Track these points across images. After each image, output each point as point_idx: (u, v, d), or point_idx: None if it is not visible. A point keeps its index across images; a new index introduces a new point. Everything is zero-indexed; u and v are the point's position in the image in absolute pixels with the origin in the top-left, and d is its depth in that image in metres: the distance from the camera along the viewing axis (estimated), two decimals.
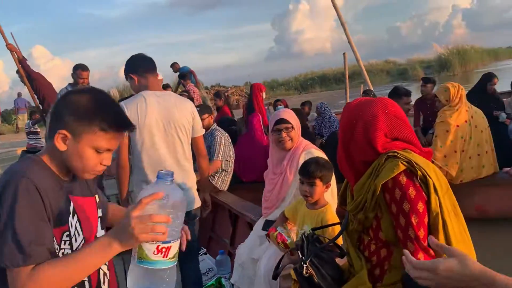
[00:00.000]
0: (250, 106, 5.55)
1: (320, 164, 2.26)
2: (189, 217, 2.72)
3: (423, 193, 1.52)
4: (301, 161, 2.45)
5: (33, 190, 1.15)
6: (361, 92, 7.40)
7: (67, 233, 1.25)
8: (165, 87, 7.89)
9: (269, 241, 2.34)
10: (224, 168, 4.29)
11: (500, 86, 6.58)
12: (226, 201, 3.99)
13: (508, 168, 4.19)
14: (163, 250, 1.14)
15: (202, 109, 4.18)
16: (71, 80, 5.09)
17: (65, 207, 1.26)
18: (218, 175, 4.28)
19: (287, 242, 2.13)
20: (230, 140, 4.39)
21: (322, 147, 4.95)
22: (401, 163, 1.53)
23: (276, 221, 2.48)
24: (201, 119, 3.16)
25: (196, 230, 2.90)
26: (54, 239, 1.19)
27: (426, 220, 1.52)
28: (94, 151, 1.25)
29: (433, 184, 1.53)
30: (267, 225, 2.54)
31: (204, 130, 2.99)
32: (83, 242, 1.29)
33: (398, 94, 4.17)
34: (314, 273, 1.74)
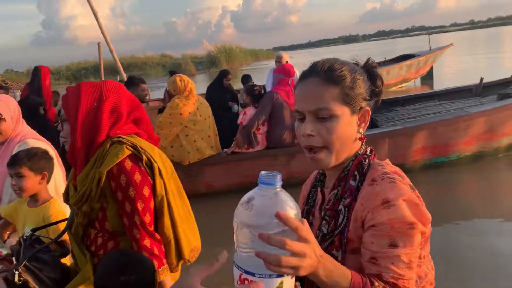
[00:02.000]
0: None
1: (31, 153, 2.01)
2: None
3: (149, 177, 1.52)
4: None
5: None
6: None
7: None
8: None
9: None
10: None
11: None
12: None
13: (227, 149, 5.00)
14: None
15: None
16: None
17: None
18: None
19: (2, 254, 1.77)
20: None
21: None
22: (126, 147, 1.51)
23: None
24: None
25: None
26: None
27: (152, 204, 1.53)
28: None
29: (158, 168, 1.55)
30: None
31: None
32: None
33: (134, 83, 4.44)
34: (29, 279, 1.57)
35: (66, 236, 1.77)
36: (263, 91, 5.02)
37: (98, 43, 8.07)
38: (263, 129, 4.85)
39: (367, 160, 1.03)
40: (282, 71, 4.91)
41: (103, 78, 8.02)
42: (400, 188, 0.92)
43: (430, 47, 12.50)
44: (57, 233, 1.83)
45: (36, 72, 5.81)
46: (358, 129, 1.02)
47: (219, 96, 6.64)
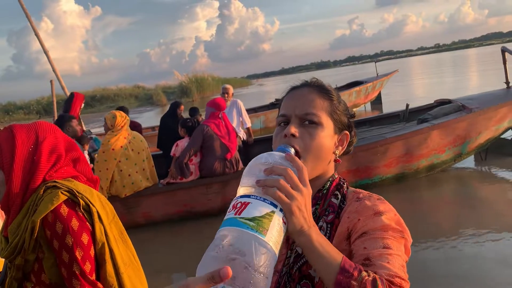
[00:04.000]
0: None
1: None
2: None
3: (87, 223, 1.45)
4: None
5: None
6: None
7: None
8: None
9: None
10: None
11: None
12: None
13: (163, 180, 5.26)
14: None
15: None
16: None
17: None
18: None
19: None
20: None
21: None
22: (61, 192, 1.43)
23: None
24: None
25: None
26: None
27: (92, 252, 1.45)
28: None
29: (98, 212, 1.48)
30: None
31: None
32: None
33: (65, 119, 4.65)
34: None
35: None
36: (196, 124, 5.33)
37: (51, 81, 8.29)
38: (196, 159, 5.14)
39: (345, 184, 1.04)
40: (213, 105, 5.25)
41: (55, 114, 8.23)
42: (389, 205, 0.94)
43: (377, 74, 13.21)
44: None
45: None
46: (335, 149, 1.03)
47: (173, 126, 6.92)
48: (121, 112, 5.14)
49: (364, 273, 0.76)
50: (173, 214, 5.31)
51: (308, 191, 0.79)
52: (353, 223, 0.92)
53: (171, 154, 5.19)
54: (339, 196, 0.99)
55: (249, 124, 6.87)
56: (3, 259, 1.70)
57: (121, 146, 4.81)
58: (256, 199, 0.75)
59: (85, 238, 1.43)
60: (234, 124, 6.68)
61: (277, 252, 0.73)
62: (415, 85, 21.65)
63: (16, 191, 1.44)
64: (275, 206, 0.75)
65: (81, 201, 1.45)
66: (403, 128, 6.02)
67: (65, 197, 1.43)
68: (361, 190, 1.01)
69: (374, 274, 0.77)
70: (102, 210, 1.52)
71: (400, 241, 0.88)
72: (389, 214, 0.91)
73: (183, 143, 5.14)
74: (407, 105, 6.70)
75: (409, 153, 5.46)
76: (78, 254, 1.40)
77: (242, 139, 6.72)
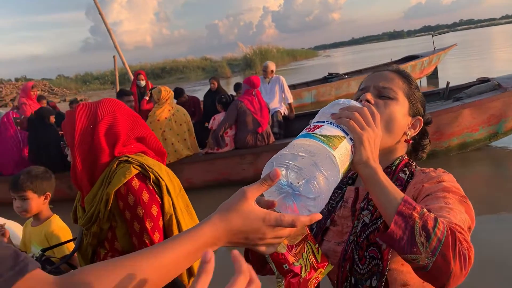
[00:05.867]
0: None
1: (32, 175, 2.05)
2: None
3: (157, 196, 1.53)
4: None
5: None
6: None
7: None
8: None
9: None
10: None
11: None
12: None
13: (202, 150, 5.83)
14: None
15: None
16: None
17: None
18: None
19: None
20: None
21: None
22: (133, 167, 1.51)
23: None
24: None
25: None
26: None
27: (161, 223, 1.53)
28: None
29: (166, 186, 1.55)
30: None
31: None
32: None
33: (120, 95, 5.35)
34: None
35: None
36: (230, 100, 5.80)
37: (114, 56, 9.09)
38: (231, 132, 5.63)
39: (413, 163, 1.04)
40: (248, 83, 5.67)
41: (117, 88, 9.07)
42: (454, 178, 0.95)
43: (434, 48, 12.73)
44: (62, 251, 1.94)
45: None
46: (407, 130, 1.03)
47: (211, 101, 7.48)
48: (166, 87, 5.73)
49: (425, 210, 0.76)
50: (211, 181, 5.87)
51: (379, 132, 0.83)
52: (418, 190, 0.93)
53: (209, 127, 5.73)
54: (407, 172, 1.01)
55: (290, 100, 7.20)
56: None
57: (166, 117, 5.42)
58: (329, 124, 0.80)
59: (155, 209, 1.51)
60: (276, 100, 7.06)
61: (340, 171, 0.75)
62: (486, 59, 20.34)
63: (80, 168, 1.54)
64: (346, 134, 0.78)
65: (151, 175, 1.54)
66: (439, 106, 6.05)
67: (137, 171, 1.52)
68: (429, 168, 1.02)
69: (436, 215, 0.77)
70: (170, 183, 1.60)
71: (462, 204, 0.86)
72: (453, 183, 0.92)
73: (219, 117, 5.64)
74: (448, 83, 6.65)
75: (439, 131, 5.53)
76: (148, 224, 1.49)
77: (283, 114, 7.08)
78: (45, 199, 2.09)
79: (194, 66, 43.67)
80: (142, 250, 0.69)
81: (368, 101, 0.97)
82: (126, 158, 1.54)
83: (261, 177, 0.71)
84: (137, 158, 1.56)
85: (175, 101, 6.28)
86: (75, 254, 1.73)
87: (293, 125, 7.11)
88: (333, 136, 0.76)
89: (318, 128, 0.78)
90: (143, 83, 7.25)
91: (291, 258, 0.81)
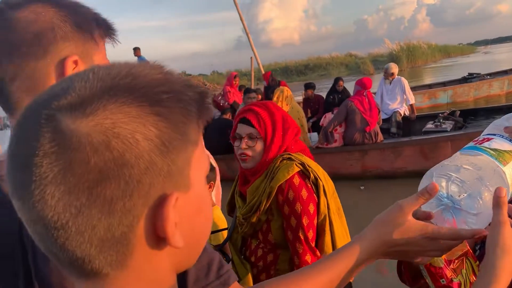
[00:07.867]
0: None
1: None
2: None
3: (314, 195, 1.57)
4: None
5: None
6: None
7: None
8: None
9: None
10: None
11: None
12: None
13: (313, 144, 6.37)
14: None
15: None
16: None
17: None
18: None
19: None
20: None
21: None
22: (296, 165, 1.58)
23: None
24: None
25: None
26: None
27: (315, 221, 1.57)
28: None
29: (323, 186, 1.60)
30: None
31: None
32: None
33: (244, 92, 6.23)
34: None
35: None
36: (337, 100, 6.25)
37: (251, 58, 10.09)
38: (340, 129, 6.06)
39: None
40: (360, 84, 6.02)
41: (252, 86, 10.07)
42: None
43: None
44: (218, 239, 2.07)
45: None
46: None
47: (332, 100, 7.96)
48: (285, 87, 6.43)
49: None
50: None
51: None
52: None
53: (320, 124, 6.24)
54: None
55: (412, 101, 7.27)
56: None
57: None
58: (501, 137, 0.74)
59: (311, 208, 1.56)
60: (398, 101, 7.23)
61: (511, 189, 0.69)
62: None
63: (270, 157, 1.63)
64: None
65: (311, 175, 1.59)
66: None
67: (298, 169, 1.58)
68: None
69: None
70: (326, 184, 1.63)
71: None
72: None
73: (330, 115, 6.12)
74: None
75: None
76: (305, 221, 1.54)
77: (404, 115, 7.21)
78: (209, 188, 2.20)
79: (337, 62, 43.32)
80: (303, 269, 0.74)
81: None
82: (289, 156, 1.62)
83: (419, 188, 0.69)
84: (298, 157, 1.64)
85: (299, 98, 6.87)
86: (227, 243, 1.85)
87: (413, 125, 7.17)
88: (505, 150, 0.72)
89: (487, 141, 0.74)
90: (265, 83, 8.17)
91: (449, 273, 0.77)
